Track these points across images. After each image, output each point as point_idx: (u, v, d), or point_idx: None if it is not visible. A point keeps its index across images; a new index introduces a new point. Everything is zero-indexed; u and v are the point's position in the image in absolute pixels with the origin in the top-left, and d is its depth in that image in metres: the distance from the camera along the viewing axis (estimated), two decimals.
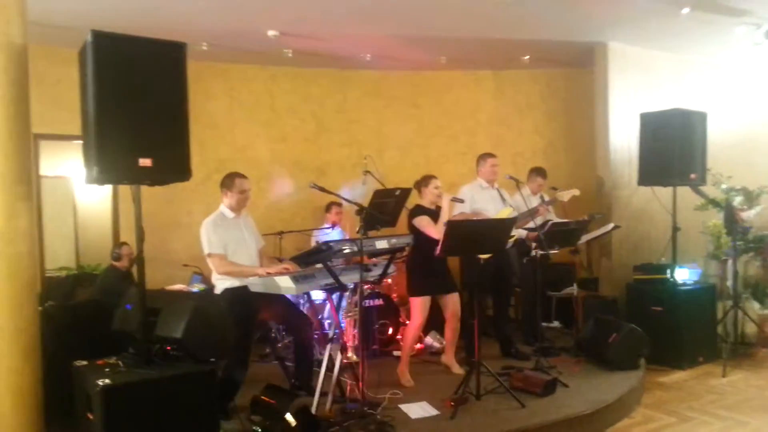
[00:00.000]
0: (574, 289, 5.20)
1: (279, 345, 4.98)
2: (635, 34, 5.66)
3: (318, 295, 4.96)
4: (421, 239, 4.12)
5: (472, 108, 7.05)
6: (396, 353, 4.85)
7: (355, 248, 3.36)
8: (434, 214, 4.30)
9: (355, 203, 3.80)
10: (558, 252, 4.73)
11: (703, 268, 5.59)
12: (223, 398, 3.46)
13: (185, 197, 5.96)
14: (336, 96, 6.85)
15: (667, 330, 4.93)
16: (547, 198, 5.28)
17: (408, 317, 4.75)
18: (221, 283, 3.76)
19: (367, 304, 4.87)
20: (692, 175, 5.09)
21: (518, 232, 4.79)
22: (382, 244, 3.57)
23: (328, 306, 4.85)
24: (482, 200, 4.78)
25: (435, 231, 4.11)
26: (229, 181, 3.84)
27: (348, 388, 3.85)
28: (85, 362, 2.95)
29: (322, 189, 3.62)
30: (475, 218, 4.49)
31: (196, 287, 5.52)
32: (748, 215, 5.55)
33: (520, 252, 5.02)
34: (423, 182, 4.44)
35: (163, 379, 2.76)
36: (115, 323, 3.33)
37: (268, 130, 6.65)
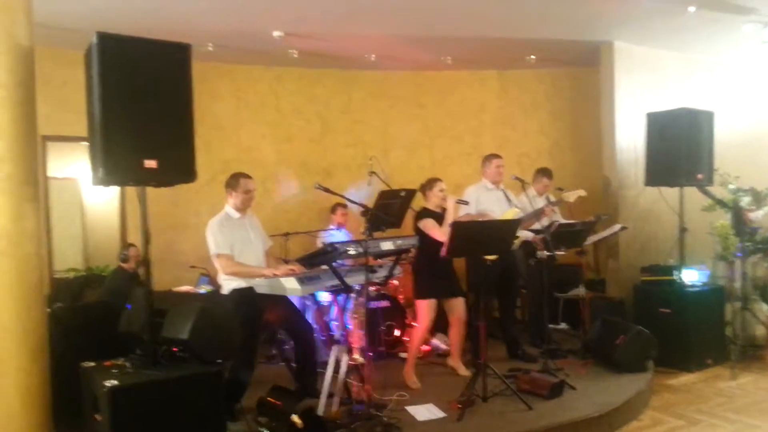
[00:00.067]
0: (581, 291, 5.17)
1: (286, 347, 4.97)
2: (641, 33, 5.63)
3: (324, 297, 4.95)
4: (426, 242, 4.11)
5: (477, 108, 7.03)
6: (402, 355, 4.84)
7: (361, 249, 3.35)
8: (440, 217, 4.29)
9: (360, 204, 3.79)
10: (565, 253, 4.70)
11: (711, 269, 5.55)
12: (230, 399, 3.46)
13: (191, 198, 5.97)
14: (341, 96, 6.84)
15: (675, 332, 4.89)
16: (553, 199, 5.25)
17: (414, 319, 4.73)
18: (228, 284, 3.76)
19: (373, 306, 4.86)
20: (699, 176, 5.06)
21: (524, 234, 4.77)
22: (387, 246, 3.55)
23: (334, 307, 4.84)
24: (488, 201, 4.76)
25: (440, 233, 4.10)
26: (233, 181, 3.85)
27: (354, 389, 3.84)
28: (92, 363, 2.96)
29: (326, 190, 3.62)
30: (480, 219, 4.48)
31: (204, 289, 5.53)
32: (757, 216, 5.50)
33: (527, 253, 5.00)
34: (428, 185, 4.44)
35: (170, 380, 2.76)
36: (122, 325, 3.35)
37: (274, 130, 6.65)
